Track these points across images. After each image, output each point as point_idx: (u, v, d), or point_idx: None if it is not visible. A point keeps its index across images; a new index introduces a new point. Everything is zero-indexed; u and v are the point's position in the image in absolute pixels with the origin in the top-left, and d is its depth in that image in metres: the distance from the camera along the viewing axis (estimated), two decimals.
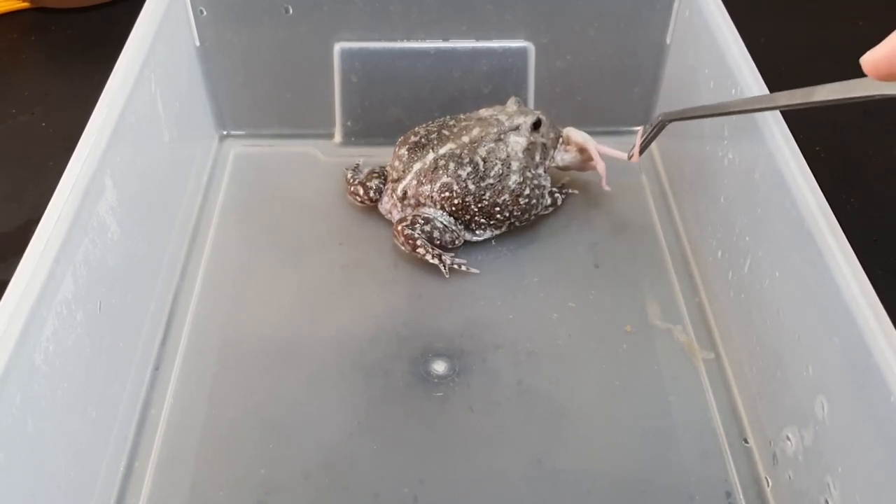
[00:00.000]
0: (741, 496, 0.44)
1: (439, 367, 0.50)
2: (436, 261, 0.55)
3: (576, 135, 0.58)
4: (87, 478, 0.41)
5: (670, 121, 0.51)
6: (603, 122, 0.66)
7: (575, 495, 0.44)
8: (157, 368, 0.50)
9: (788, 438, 0.42)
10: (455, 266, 0.55)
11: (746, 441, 0.47)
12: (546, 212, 0.59)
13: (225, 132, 0.66)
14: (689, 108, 0.51)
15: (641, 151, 0.53)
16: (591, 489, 0.44)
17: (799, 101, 0.38)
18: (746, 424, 0.47)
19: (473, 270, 0.55)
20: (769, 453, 0.44)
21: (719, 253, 0.52)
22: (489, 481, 0.45)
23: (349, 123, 0.65)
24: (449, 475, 0.45)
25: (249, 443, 0.46)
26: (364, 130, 0.65)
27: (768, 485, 0.44)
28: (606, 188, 0.58)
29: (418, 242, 0.55)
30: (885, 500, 0.33)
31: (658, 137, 0.65)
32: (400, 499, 0.44)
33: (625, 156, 0.55)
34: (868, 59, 0.28)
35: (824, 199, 0.40)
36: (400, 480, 0.45)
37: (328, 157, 0.64)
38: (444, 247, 0.56)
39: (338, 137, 0.65)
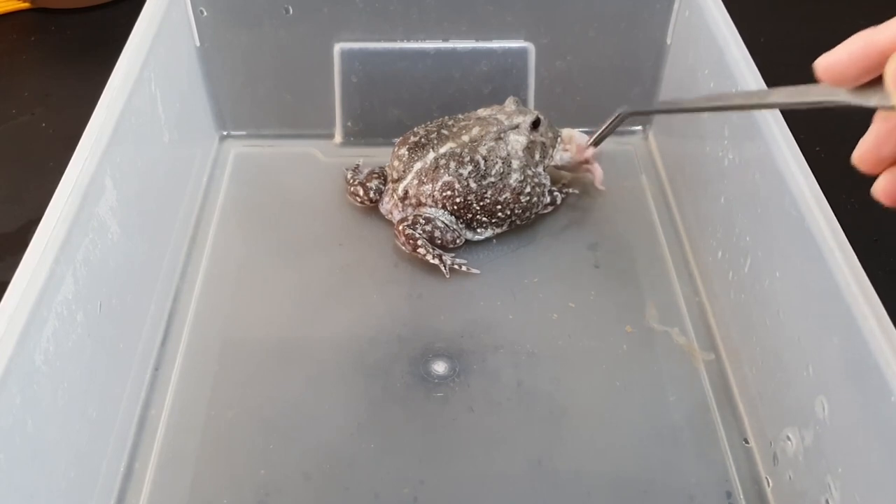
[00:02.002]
0: (741, 496, 0.44)
1: (439, 367, 0.50)
2: (436, 261, 0.55)
3: (579, 137, 0.59)
4: (87, 478, 0.41)
5: (630, 114, 0.52)
6: (603, 123, 0.66)
7: (575, 496, 0.44)
8: (157, 369, 0.50)
9: (789, 438, 0.42)
10: (455, 266, 0.55)
11: (747, 441, 0.47)
12: (545, 211, 0.59)
13: (225, 132, 0.66)
14: (655, 102, 0.52)
15: (597, 143, 0.55)
16: (592, 490, 0.44)
17: (755, 102, 0.39)
18: (746, 425, 0.47)
19: (474, 271, 0.55)
20: (769, 453, 0.44)
21: (719, 253, 0.52)
22: (489, 482, 0.45)
23: (349, 124, 0.65)
24: (449, 475, 0.45)
25: (249, 443, 0.46)
26: (364, 131, 0.65)
27: (768, 485, 0.44)
28: (601, 187, 0.60)
29: (419, 242, 0.55)
30: (885, 500, 0.33)
31: (658, 139, 0.66)
32: (400, 499, 0.44)
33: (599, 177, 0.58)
34: (823, 63, 0.28)
35: (824, 200, 0.40)
36: (400, 481, 0.45)
37: (328, 157, 0.64)
38: (445, 246, 0.56)
39: (338, 138, 0.65)
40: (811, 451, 0.39)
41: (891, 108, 0.27)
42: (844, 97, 0.29)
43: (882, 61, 0.27)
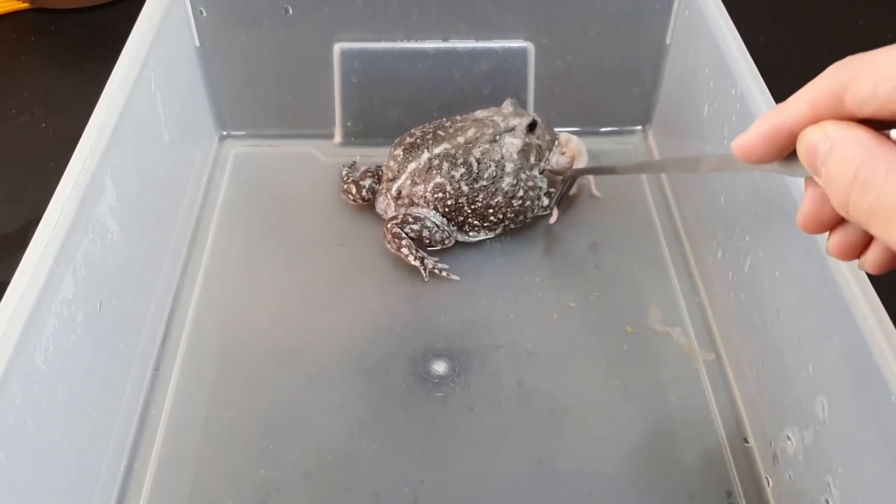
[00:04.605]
0: (741, 496, 0.44)
1: (439, 367, 0.50)
2: (417, 262, 0.55)
3: (575, 143, 0.59)
4: (87, 478, 0.41)
5: (579, 174, 0.57)
6: (603, 122, 0.66)
7: (575, 495, 0.44)
8: (157, 369, 0.50)
9: (789, 438, 0.42)
10: (436, 271, 0.55)
11: (747, 441, 0.47)
12: (544, 213, 0.59)
13: (225, 132, 0.66)
14: (597, 166, 0.61)
15: (557, 203, 0.59)
16: (592, 489, 0.44)
17: (688, 169, 0.42)
18: (747, 424, 0.47)
19: (454, 277, 0.55)
20: (769, 453, 0.44)
21: (719, 253, 0.52)
22: (489, 482, 0.45)
23: (349, 124, 0.65)
24: (449, 475, 0.45)
25: (249, 443, 0.46)
26: (364, 131, 0.65)
27: (768, 485, 0.44)
28: (597, 194, 0.60)
29: (403, 243, 0.54)
30: (885, 500, 0.33)
31: (658, 139, 0.66)
32: (400, 499, 0.44)
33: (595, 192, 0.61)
34: (737, 145, 0.29)
35: None
36: (400, 480, 0.45)
37: (328, 157, 0.64)
38: (433, 246, 0.55)
39: (338, 138, 0.65)
40: (811, 450, 0.39)
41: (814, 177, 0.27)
42: (772, 167, 0.29)
43: (792, 138, 0.27)
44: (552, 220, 0.58)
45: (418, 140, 0.56)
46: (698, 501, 0.44)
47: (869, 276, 0.36)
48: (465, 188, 0.54)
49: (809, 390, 0.39)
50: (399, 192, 0.56)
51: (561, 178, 0.58)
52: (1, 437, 0.33)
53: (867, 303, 0.35)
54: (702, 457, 0.46)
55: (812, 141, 0.26)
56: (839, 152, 0.25)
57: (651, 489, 0.44)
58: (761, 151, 0.28)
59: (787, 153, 0.28)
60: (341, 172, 0.61)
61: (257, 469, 0.45)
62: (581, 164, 0.59)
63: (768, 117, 0.28)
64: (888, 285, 0.38)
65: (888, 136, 0.24)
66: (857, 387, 0.35)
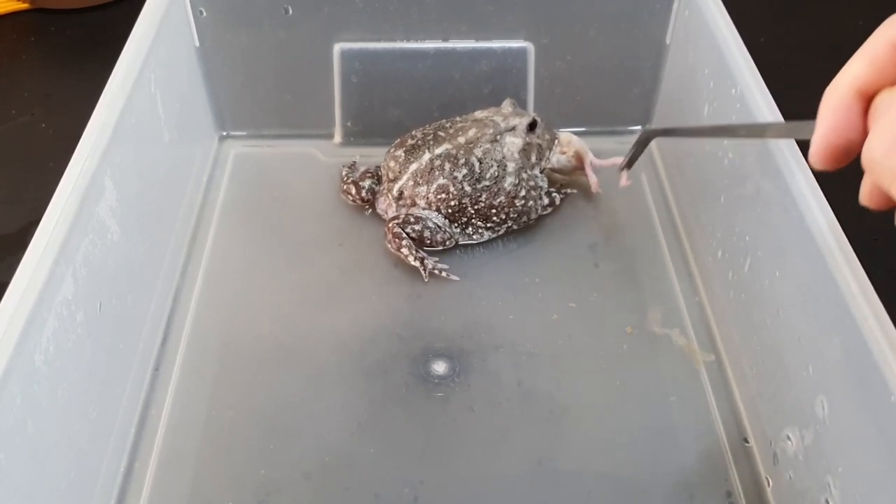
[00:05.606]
0: (741, 496, 0.44)
1: (439, 367, 0.50)
2: (417, 263, 0.55)
3: (577, 142, 0.59)
4: (87, 478, 0.41)
5: (655, 136, 0.53)
6: (603, 123, 0.66)
7: (575, 496, 0.44)
8: (157, 369, 0.50)
9: (789, 438, 0.42)
10: (436, 272, 0.55)
11: (747, 441, 0.47)
12: (545, 212, 0.59)
13: (225, 132, 0.66)
14: (673, 127, 0.56)
15: (630, 165, 0.55)
16: (592, 490, 0.44)
17: (756, 134, 0.41)
18: (747, 424, 0.47)
19: (454, 277, 0.55)
20: (769, 453, 0.44)
21: (719, 253, 0.52)
22: (489, 482, 0.45)
23: (349, 124, 0.65)
24: (449, 476, 0.45)
25: (249, 443, 0.46)
26: (364, 131, 0.65)
27: (769, 485, 0.44)
28: (598, 191, 0.60)
29: (403, 243, 0.55)
30: (885, 500, 0.33)
31: (658, 138, 0.66)
32: (400, 499, 0.44)
33: (617, 161, 0.56)
34: (814, 160, 0.28)
35: (824, 199, 0.40)
36: (400, 480, 0.45)
37: (328, 157, 0.64)
38: (434, 246, 0.55)
39: (338, 138, 0.65)
40: (811, 450, 0.39)
41: None
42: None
43: (864, 102, 0.26)
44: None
45: (419, 141, 0.56)
46: (698, 501, 0.44)
47: (869, 276, 0.36)
48: (468, 188, 0.54)
49: (809, 390, 0.39)
50: (401, 193, 0.56)
51: (636, 140, 0.53)
52: (1, 437, 0.33)
53: (867, 303, 0.35)
54: (702, 457, 0.46)
55: (877, 102, 0.25)
56: (889, 114, 0.24)
57: (651, 489, 0.44)
58: (843, 145, 0.27)
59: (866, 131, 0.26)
60: (341, 173, 0.61)
61: (257, 469, 0.45)
62: (586, 160, 0.59)
63: (827, 111, 0.26)
64: (889, 285, 0.38)
65: None
66: (857, 387, 0.35)
